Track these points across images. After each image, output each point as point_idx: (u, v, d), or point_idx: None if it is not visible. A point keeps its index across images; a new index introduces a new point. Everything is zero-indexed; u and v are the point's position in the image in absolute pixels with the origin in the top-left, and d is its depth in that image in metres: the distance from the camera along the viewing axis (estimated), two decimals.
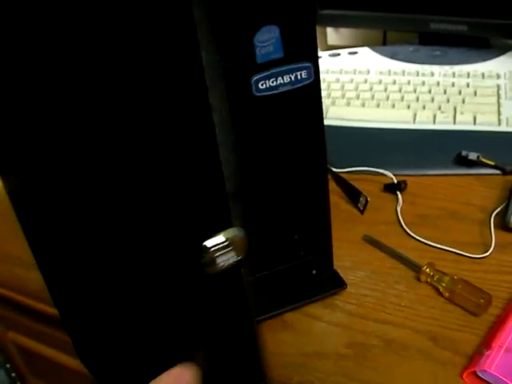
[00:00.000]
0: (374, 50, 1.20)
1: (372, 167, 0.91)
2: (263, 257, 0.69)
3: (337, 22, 1.23)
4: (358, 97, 1.06)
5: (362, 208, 0.83)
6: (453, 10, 1.12)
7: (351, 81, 1.10)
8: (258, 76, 0.56)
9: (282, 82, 0.57)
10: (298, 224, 0.68)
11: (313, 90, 0.58)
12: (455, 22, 1.13)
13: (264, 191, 0.64)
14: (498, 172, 0.90)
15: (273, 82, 0.56)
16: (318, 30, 1.27)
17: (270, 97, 0.57)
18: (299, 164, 0.64)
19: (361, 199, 0.83)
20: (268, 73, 0.56)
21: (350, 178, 0.91)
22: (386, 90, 1.07)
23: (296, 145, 0.62)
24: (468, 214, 0.84)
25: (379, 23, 1.21)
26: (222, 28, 0.53)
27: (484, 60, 1.11)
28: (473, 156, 0.89)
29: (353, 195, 0.85)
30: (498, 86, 1.04)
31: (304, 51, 0.57)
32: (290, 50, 0.57)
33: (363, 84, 1.09)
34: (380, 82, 1.09)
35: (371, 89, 1.08)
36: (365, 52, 1.20)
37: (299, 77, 0.57)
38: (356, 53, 1.18)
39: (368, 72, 1.12)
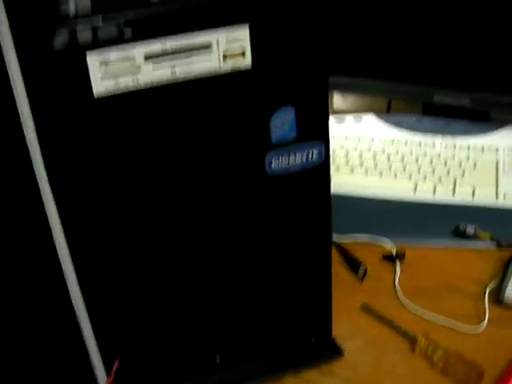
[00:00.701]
0: (379, 117, 1.22)
1: (372, 235, 0.92)
2: (266, 321, 0.71)
3: (343, 88, 1.25)
4: (361, 164, 1.08)
5: (361, 277, 0.86)
6: (456, 83, 1.14)
7: (355, 148, 1.13)
8: (272, 154, 0.58)
9: (293, 161, 0.59)
10: (302, 291, 0.70)
11: (322, 170, 0.60)
12: (458, 95, 1.15)
13: (271, 260, 0.66)
14: (493, 245, 0.92)
15: (285, 161, 0.59)
16: None
17: (281, 178, 0.60)
18: (306, 237, 0.66)
19: (360, 268, 0.85)
20: (282, 151, 0.58)
21: (350, 245, 0.93)
22: (389, 159, 1.10)
23: (303, 220, 0.65)
24: (464, 287, 0.86)
25: (385, 92, 1.22)
26: (239, 109, 0.55)
27: (484, 133, 1.14)
28: (470, 230, 0.91)
29: (353, 264, 0.87)
30: (497, 160, 1.07)
31: (317, 131, 0.60)
32: (304, 129, 0.59)
33: (367, 152, 1.11)
34: (383, 150, 1.12)
35: (375, 157, 1.10)
36: (370, 119, 1.22)
37: (310, 157, 0.59)
38: (361, 120, 1.20)
39: (372, 140, 1.15)
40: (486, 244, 0.92)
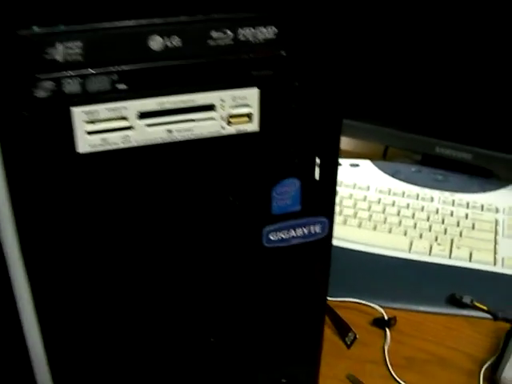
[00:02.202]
0: (376, 165, 1.18)
1: (363, 296, 0.88)
2: None
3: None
4: (355, 215, 1.04)
5: (349, 343, 0.82)
6: (459, 137, 1.11)
7: (350, 196, 1.09)
8: (271, 228, 0.53)
9: (294, 235, 0.54)
10: (288, 367, 0.66)
11: (323, 245, 0.56)
12: (460, 149, 1.12)
13: (262, 329, 0.62)
14: (489, 316, 0.88)
15: (285, 235, 0.54)
16: None
17: (279, 249, 0.54)
18: (301, 306, 0.62)
19: (349, 334, 0.81)
20: (282, 225, 0.53)
21: (339, 306, 0.88)
22: (384, 211, 1.05)
23: (299, 290, 0.61)
24: (457, 362, 0.81)
25: (383, 139, 1.20)
26: (240, 174, 0.51)
27: (485, 191, 1.11)
28: (467, 299, 0.88)
29: (342, 329, 0.82)
30: (496, 221, 1.03)
31: (322, 206, 0.56)
32: (308, 203, 0.55)
33: (362, 202, 1.07)
34: (379, 201, 1.08)
35: (369, 208, 1.06)
36: (366, 166, 1.18)
37: (313, 231, 0.55)
38: (357, 165, 1.16)
39: (368, 188, 1.10)
40: (481, 314, 0.88)
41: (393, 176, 1.15)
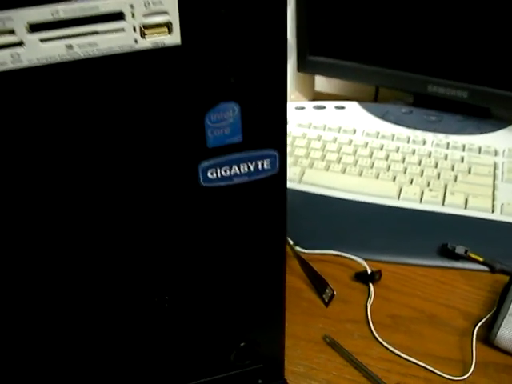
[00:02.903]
0: (364, 106, 1.10)
1: (345, 249, 0.78)
2: (201, 363, 0.59)
3: (326, 71, 1.12)
4: (339, 160, 0.94)
5: (326, 300, 0.73)
6: (454, 73, 1.02)
7: (334, 140, 0.99)
8: (208, 163, 0.43)
9: (237, 171, 0.45)
10: (247, 329, 0.58)
11: (275, 184, 0.47)
12: (455, 86, 1.03)
13: (208, 288, 0.54)
14: (486, 269, 0.80)
15: (226, 172, 0.45)
16: (306, 76, 1.15)
17: (220, 189, 0.44)
18: (253, 256, 0.53)
19: (327, 291, 0.73)
20: (221, 160, 0.43)
21: (318, 259, 0.80)
22: (371, 155, 0.96)
23: (249, 237, 0.52)
24: (448, 320, 0.73)
25: (372, 78, 1.10)
26: (162, 98, 0.41)
27: (482, 132, 1.02)
28: (460, 250, 0.79)
29: (318, 284, 0.73)
30: (495, 165, 0.94)
31: (269, 136, 0.46)
32: (252, 133, 0.45)
33: (347, 146, 0.97)
34: (366, 145, 0.98)
35: (355, 152, 0.97)
36: (353, 108, 1.09)
37: (260, 167, 0.45)
38: (343, 107, 1.07)
39: (354, 132, 1.00)
40: (476, 266, 0.80)
41: (381, 118, 1.07)
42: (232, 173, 0.45)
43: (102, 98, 0.39)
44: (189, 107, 0.41)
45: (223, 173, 0.45)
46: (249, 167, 0.45)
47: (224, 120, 0.42)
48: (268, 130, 0.44)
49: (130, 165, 0.43)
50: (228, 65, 0.41)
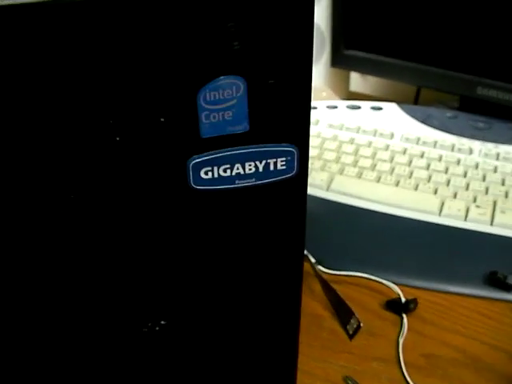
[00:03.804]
0: (403, 108, 0.98)
1: (376, 271, 0.67)
2: None
3: (363, 68, 1.01)
4: (373, 167, 0.82)
5: (351, 332, 0.61)
6: (508, 75, 0.91)
7: (369, 144, 0.87)
8: (201, 159, 0.30)
9: (241, 172, 0.33)
10: (251, 366, 0.47)
11: (292, 190, 0.35)
12: (508, 89, 0.92)
13: (205, 312, 0.43)
14: None
15: (226, 172, 0.33)
16: (340, 72, 1.03)
17: (218, 194, 0.32)
18: (260, 281, 0.42)
19: (352, 321, 0.61)
20: (219, 155, 0.30)
21: (343, 281, 0.69)
22: (410, 163, 0.86)
23: (257, 258, 0.41)
24: (494, 365, 0.61)
25: (414, 77, 1.00)
26: (142, 74, 0.31)
27: None
28: None
29: (343, 312, 0.61)
30: None
31: (286, 126, 0.35)
32: (263, 121, 0.34)
33: (383, 151, 0.85)
34: (404, 151, 0.87)
35: (392, 159, 0.86)
36: (391, 109, 0.98)
37: (272, 167, 0.32)
38: (380, 108, 0.95)
39: (391, 136, 0.88)
40: None
41: (423, 122, 0.95)
42: (234, 173, 0.33)
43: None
44: (176, 81, 0.29)
45: (222, 173, 0.33)
46: (257, 167, 0.33)
47: (224, 101, 0.31)
48: (284, 118, 0.32)
49: (105, 163, 0.30)
50: (231, 23, 0.28)
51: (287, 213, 0.37)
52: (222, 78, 0.31)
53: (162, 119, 0.31)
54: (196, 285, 0.40)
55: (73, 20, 0.28)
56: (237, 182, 0.34)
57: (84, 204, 0.34)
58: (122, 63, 0.29)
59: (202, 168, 0.33)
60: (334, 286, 0.65)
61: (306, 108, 0.33)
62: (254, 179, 0.34)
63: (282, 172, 0.35)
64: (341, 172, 0.83)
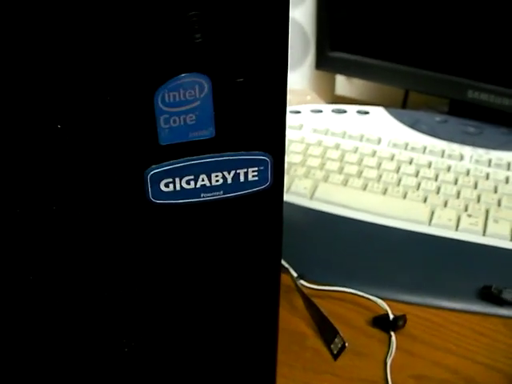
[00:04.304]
0: (391, 112, 0.95)
1: (362, 286, 0.64)
2: None
3: (349, 70, 0.97)
4: (359, 174, 0.78)
5: (335, 352, 0.57)
6: (500, 77, 0.88)
7: (355, 150, 0.83)
8: (160, 169, 0.26)
9: (206, 183, 0.27)
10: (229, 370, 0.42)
11: (265, 203, 0.30)
12: (500, 92, 0.88)
13: (174, 330, 0.39)
14: None
15: (189, 183, 0.28)
16: (326, 75, 0.99)
17: (180, 208, 0.27)
18: (232, 298, 0.38)
19: (336, 340, 0.57)
20: (180, 165, 0.26)
21: (327, 296, 0.65)
22: (398, 170, 0.82)
23: (226, 275, 0.37)
24: None
25: (401, 80, 0.96)
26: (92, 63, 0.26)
27: None
28: (507, 295, 0.63)
29: (326, 330, 0.57)
30: None
31: (258, 131, 0.30)
32: (231, 125, 0.30)
33: (370, 157, 0.81)
34: (392, 157, 0.84)
35: (379, 166, 0.82)
36: (378, 113, 0.94)
37: (242, 178, 0.28)
38: (367, 113, 0.91)
39: (379, 141, 0.84)
40: None
41: (411, 127, 0.91)
42: (199, 185, 0.29)
43: None
44: (129, 80, 0.25)
45: (185, 185, 0.28)
46: (225, 178, 0.29)
47: (186, 102, 0.26)
48: (256, 122, 0.28)
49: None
50: (192, 11, 0.23)
51: (260, 228, 0.33)
52: (182, 75, 0.26)
53: (114, 124, 0.26)
54: (162, 302, 0.35)
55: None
56: (202, 195, 0.30)
57: (33, 218, 0.29)
58: (62, 56, 0.25)
59: (161, 179, 0.29)
60: (318, 302, 0.61)
61: (281, 110, 0.29)
62: (221, 192, 0.30)
63: (254, 183, 0.30)
64: (325, 179, 0.79)
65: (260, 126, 0.29)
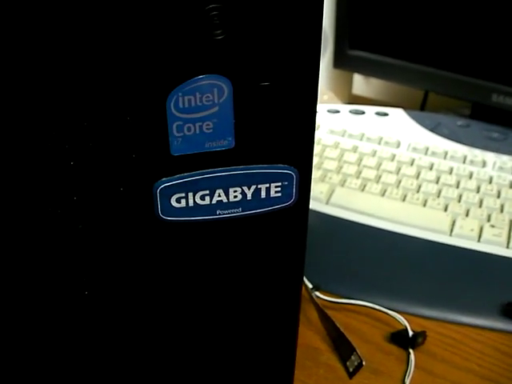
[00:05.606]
0: (411, 115, 0.92)
1: (379, 299, 0.62)
2: None
3: (367, 69, 0.95)
4: (378, 179, 0.75)
5: (351, 370, 0.55)
6: None
7: (373, 153, 0.80)
8: (171, 183, 0.22)
9: (223, 199, 0.24)
10: None
11: (289, 222, 0.27)
12: None
13: (189, 348, 0.36)
14: None
15: (203, 199, 0.25)
16: (343, 74, 1.00)
17: (193, 226, 0.23)
18: (251, 315, 0.35)
19: (352, 358, 0.54)
20: (194, 178, 0.22)
21: (344, 309, 0.62)
22: (418, 176, 0.79)
23: (245, 292, 0.34)
24: None
25: (422, 81, 0.93)
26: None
27: None
28: None
29: (342, 347, 0.54)
30: None
31: (283, 142, 0.27)
32: (252, 135, 0.26)
33: (389, 162, 0.78)
34: (412, 162, 0.81)
35: (398, 170, 0.80)
36: (398, 115, 0.92)
37: (264, 194, 0.24)
38: (386, 114, 0.89)
39: (398, 145, 0.82)
40: None
41: (432, 130, 0.88)
42: (214, 201, 0.25)
43: None
44: (139, 82, 0.22)
45: (199, 200, 0.25)
46: (244, 193, 0.26)
47: (203, 108, 0.23)
48: (281, 132, 0.24)
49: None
50: (212, 5, 0.19)
51: (282, 249, 0.29)
52: (199, 77, 0.23)
53: (121, 130, 0.23)
54: (173, 322, 0.32)
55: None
56: (218, 212, 0.26)
57: (39, 234, 0.26)
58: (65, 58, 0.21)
59: (172, 194, 0.25)
60: (333, 314, 0.59)
61: (310, 120, 0.25)
62: (240, 209, 0.27)
63: (277, 200, 0.27)
64: (342, 184, 0.76)
65: (286, 136, 0.26)
